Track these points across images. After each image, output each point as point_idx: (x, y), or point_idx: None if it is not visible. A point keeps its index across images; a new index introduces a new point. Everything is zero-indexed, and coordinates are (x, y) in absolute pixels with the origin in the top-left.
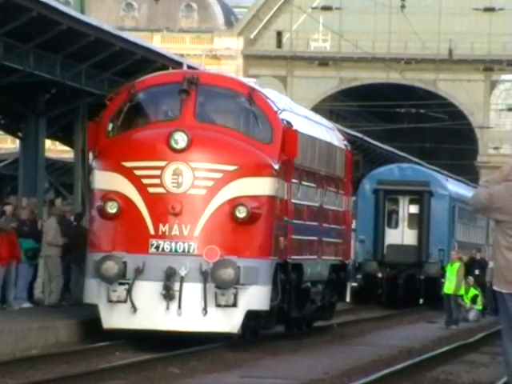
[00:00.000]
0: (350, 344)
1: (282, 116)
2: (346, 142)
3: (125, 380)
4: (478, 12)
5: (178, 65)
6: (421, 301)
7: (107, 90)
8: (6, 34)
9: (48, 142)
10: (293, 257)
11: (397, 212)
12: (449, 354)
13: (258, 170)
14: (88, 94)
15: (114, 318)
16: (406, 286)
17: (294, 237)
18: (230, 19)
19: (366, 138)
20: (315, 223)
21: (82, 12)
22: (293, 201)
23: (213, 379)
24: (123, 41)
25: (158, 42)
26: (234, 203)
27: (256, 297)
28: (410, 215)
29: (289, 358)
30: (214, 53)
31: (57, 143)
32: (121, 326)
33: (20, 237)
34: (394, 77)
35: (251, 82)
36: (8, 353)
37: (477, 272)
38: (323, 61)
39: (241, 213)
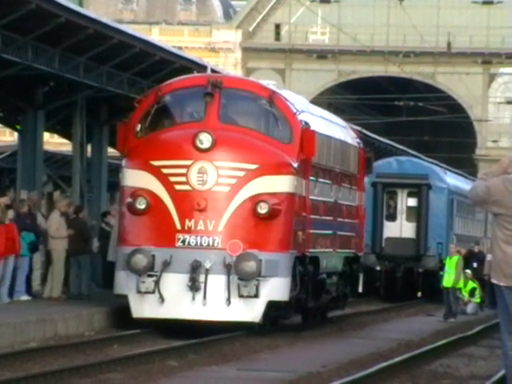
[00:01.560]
0: (348, 337)
1: (300, 117)
2: (358, 140)
3: (123, 373)
4: (477, 5)
5: (202, 68)
6: (419, 294)
7: (106, 82)
8: (4, 27)
9: (46, 135)
10: (310, 250)
11: (395, 205)
12: (447, 347)
13: (278, 168)
14: (86, 87)
15: (143, 308)
16: (405, 279)
17: (311, 231)
18: (228, 12)
19: (365, 131)
20: (330, 218)
21: (81, 5)
22: (310, 197)
23: (211, 372)
24: (121, 34)
25: (156, 35)
26: (256, 200)
27: (276, 288)
28: (409, 208)
29: (286, 351)
30: (212, 46)
31: (55, 136)
32: (149, 316)
33: (22, 230)
34: (393, 70)
35: (271, 85)
36: (6, 346)
37: (475, 265)
38: (322, 54)
39: (262, 209)
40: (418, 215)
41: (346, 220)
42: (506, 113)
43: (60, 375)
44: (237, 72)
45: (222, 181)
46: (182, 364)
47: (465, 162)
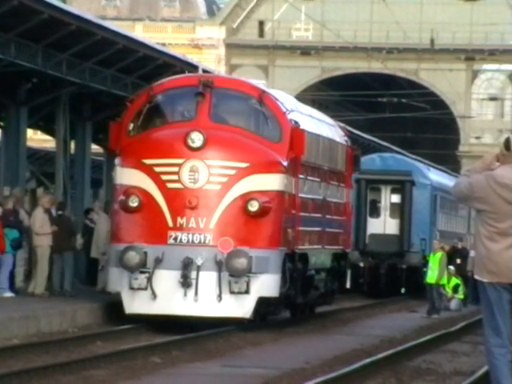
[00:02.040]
0: (332, 333)
1: (290, 116)
2: (346, 138)
3: (106, 369)
4: (460, 2)
5: (194, 68)
6: (402, 290)
7: (89, 79)
8: None
9: (29, 132)
10: (299, 247)
11: (379, 201)
12: (430, 343)
13: (269, 166)
14: (69, 84)
15: (136, 304)
16: (388, 276)
17: (300, 228)
18: (211, 9)
19: (348, 128)
20: (319, 215)
21: (64, 1)
22: (299, 195)
23: (194, 368)
24: (105, 30)
25: (139, 32)
26: (246, 198)
27: (267, 284)
28: (392, 205)
29: (270, 348)
30: (195, 42)
31: (38, 132)
32: (142, 312)
33: (5, 227)
34: (376, 66)
35: (260, 85)
36: None
37: (458, 261)
38: (305, 50)
39: (252, 207)
40: (402, 211)
41: (334, 217)
42: (489, 109)
43: (43, 372)
44: (220, 68)
45: (214, 179)
46: (166, 360)
47: (448, 159)
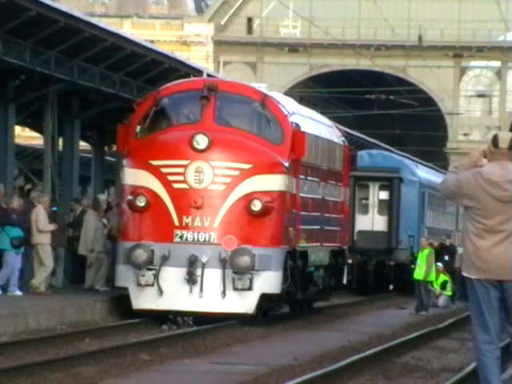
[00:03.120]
0: (320, 330)
1: (291, 119)
2: (343, 138)
3: (95, 366)
4: None
5: (199, 72)
6: (391, 287)
7: (77, 76)
8: None
9: (17, 129)
10: (300, 245)
11: (367, 198)
12: (418, 339)
13: (271, 168)
14: (57, 81)
15: (143, 300)
16: (376, 272)
17: (301, 227)
18: (200, 5)
19: (336, 125)
20: (318, 214)
21: None
22: (300, 194)
23: (183, 366)
24: (93, 27)
25: (128, 29)
26: (250, 198)
27: (269, 281)
28: (380, 201)
29: (258, 345)
30: (184, 39)
31: (26, 129)
32: (148, 307)
33: (7, 225)
34: (364, 63)
35: (262, 88)
36: None
37: (446, 258)
38: (293, 47)
39: (255, 206)
40: (390, 208)
41: (332, 215)
42: (477, 106)
43: (31, 369)
44: (208, 65)
45: (218, 180)
46: (154, 357)
47: (436, 156)
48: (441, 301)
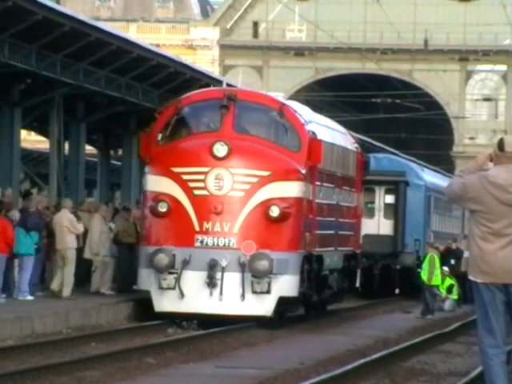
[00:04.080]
0: (326, 334)
1: (308, 127)
2: (357, 145)
3: (100, 371)
4: (454, 2)
5: (218, 82)
6: (396, 291)
7: (83, 80)
8: None
9: (23, 133)
10: (316, 249)
11: (373, 202)
12: (424, 343)
13: (288, 175)
14: (63, 84)
15: (164, 303)
16: (382, 276)
17: (317, 232)
18: (205, 9)
19: (350, 132)
20: (333, 219)
21: (58, 2)
22: (316, 200)
23: (188, 369)
24: (98, 31)
25: (133, 32)
26: (268, 204)
27: (286, 285)
28: (386, 205)
29: (264, 349)
30: (189, 43)
31: (32, 133)
32: (170, 310)
33: (32, 229)
34: (370, 67)
35: (279, 97)
36: None
37: (452, 262)
38: (299, 51)
39: (274, 212)
40: (396, 212)
41: (346, 220)
42: (483, 110)
43: (37, 373)
44: (214, 69)
45: (237, 186)
46: (160, 361)
47: (442, 159)
48: (447, 305)
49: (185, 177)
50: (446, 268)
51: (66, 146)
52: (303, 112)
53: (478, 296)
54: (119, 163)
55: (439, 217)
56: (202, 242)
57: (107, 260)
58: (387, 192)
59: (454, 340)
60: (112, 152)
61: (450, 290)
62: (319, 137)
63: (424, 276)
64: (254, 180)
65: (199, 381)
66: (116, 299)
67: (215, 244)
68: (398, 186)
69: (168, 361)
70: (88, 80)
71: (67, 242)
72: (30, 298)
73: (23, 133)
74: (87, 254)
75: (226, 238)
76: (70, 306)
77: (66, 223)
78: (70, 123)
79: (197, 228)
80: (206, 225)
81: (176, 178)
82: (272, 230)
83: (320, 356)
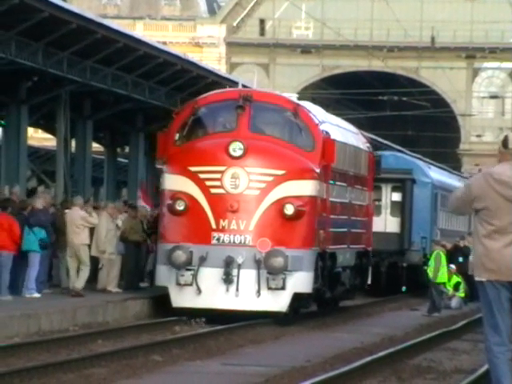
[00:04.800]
0: (332, 331)
1: (321, 127)
2: (368, 145)
3: (106, 368)
4: (460, 0)
5: (234, 83)
6: (403, 288)
7: (89, 77)
8: None
9: (30, 130)
10: (329, 247)
11: (379, 200)
12: (431, 341)
13: (303, 174)
14: (70, 82)
15: (182, 299)
16: (389, 274)
17: (330, 230)
18: (212, 7)
19: (361, 132)
20: (346, 217)
21: (64, 0)
22: (330, 199)
23: (195, 367)
24: (105, 28)
25: (140, 30)
26: (283, 202)
27: (301, 281)
28: (393, 203)
29: (270, 346)
30: (196, 41)
31: (39, 131)
32: (187, 305)
33: (35, 226)
34: (377, 64)
35: (293, 97)
36: None
37: (460, 259)
38: (305, 48)
39: (288, 210)
40: (402, 210)
41: (358, 218)
42: (490, 107)
43: (44, 370)
44: (221, 66)
45: (253, 185)
46: (166, 359)
47: (449, 157)
48: (453, 302)
49: (202, 176)
50: (452, 266)
51: (73, 143)
52: (317, 112)
53: (482, 294)
54: (126, 161)
55: (446, 214)
56: (218, 239)
57: (114, 257)
58: (394, 190)
59: (460, 338)
60: (119, 149)
61: (456, 287)
62: (332, 136)
63: (430, 273)
64: (270, 179)
65: (205, 378)
66: (123, 297)
67: (231, 241)
68: (404, 183)
69: (174, 358)
70: (95, 78)
71: (81, 239)
72: (36, 295)
73: (30, 130)
74: (94, 252)
75: (241, 236)
76: (76, 303)
77: (79, 221)
78: (76, 121)
79: (213, 226)
80: (222, 223)
81: (193, 176)
82: (287, 227)
83: (326, 353)
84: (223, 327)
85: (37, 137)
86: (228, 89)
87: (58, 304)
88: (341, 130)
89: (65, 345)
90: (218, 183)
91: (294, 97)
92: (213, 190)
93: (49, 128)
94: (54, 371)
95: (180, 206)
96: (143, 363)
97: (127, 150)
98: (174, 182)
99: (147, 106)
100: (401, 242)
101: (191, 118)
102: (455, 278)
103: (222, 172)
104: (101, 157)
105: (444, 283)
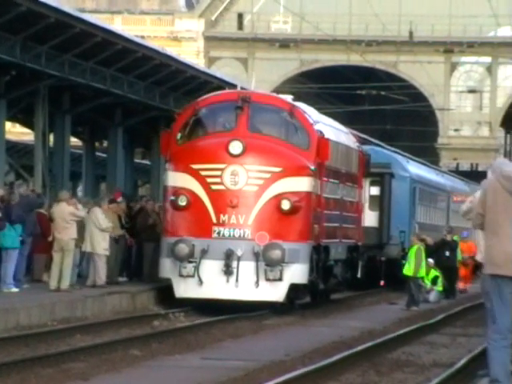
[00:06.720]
0: (311, 325)
1: (316, 127)
2: (358, 144)
3: (85, 362)
4: None
5: (233, 86)
6: (382, 282)
7: (68, 71)
8: None
9: (8, 124)
10: (323, 240)
11: None
12: (409, 335)
13: (299, 171)
14: (48, 76)
15: (184, 289)
16: (368, 268)
17: (324, 224)
18: (190, 1)
19: (351, 131)
20: (338, 212)
21: None
22: (323, 195)
23: (174, 361)
24: (83, 23)
25: (118, 24)
26: (280, 198)
27: (297, 273)
28: (371, 197)
29: (250, 340)
30: (174, 35)
31: (17, 125)
32: (189, 296)
33: (14, 222)
34: (355, 59)
35: (289, 99)
36: None
37: (447, 254)
38: (284, 43)
39: (285, 205)
40: (381, 204)
41: (349, 214)
42: (468, 101)
43: (22, 365)
44: (199, 61)
45: (251, 181)
46: (145, 353)
47: (427, 151)
48: (431, 296)
49: (203, 173)
50: (430, 260)
51: (51, 137)
52: (311, 113)
53: (483, 286)
54: (104, 155)
55: (424, 208)
56: (219, 233)
57: (108, 253)
58: (372, 184)
59: (438, 331)
60: (97, 144)
61: (434, 281)
62: (326, 136)
63: (409, 268)
64: (267, 176)
65: (185, 373)
66: (101, 291)
67: (231, 235)
68: (383, 177)
69: (154, 353)
70: (73, 72)
71: (70, 233)
72: (15, 289)
73: (8, 124)
74: (88, 248)
75: (241, 230)
76: (55, 298)
77: (68, 216)
78: (55, 115)
79: (214, 220)
80: (222, 217)
81: (195, 173)
82: (284, 221)
83: (306, 347)
84: (202, 321)
85: (15, 131)
86: (227, 90)
87: (36, 299)
88: (333, 130)
89: (43, 339)
90: (218, 180)
91: (289, 98)
92: (213, 187)
93: (27, 122)
94: (32, 366)
95: (182, 202)
96: (122, 358)
97: (106, 144)
98: (176, 178)
99: (126, 100)
100: (379, 236)
101: (192, 119)
102: (433, 272)
103: (222, 169)
104: (79, 151)
105: (422, 277)
